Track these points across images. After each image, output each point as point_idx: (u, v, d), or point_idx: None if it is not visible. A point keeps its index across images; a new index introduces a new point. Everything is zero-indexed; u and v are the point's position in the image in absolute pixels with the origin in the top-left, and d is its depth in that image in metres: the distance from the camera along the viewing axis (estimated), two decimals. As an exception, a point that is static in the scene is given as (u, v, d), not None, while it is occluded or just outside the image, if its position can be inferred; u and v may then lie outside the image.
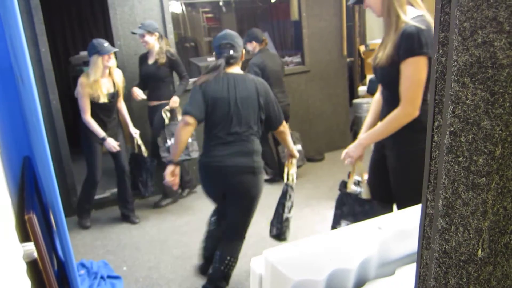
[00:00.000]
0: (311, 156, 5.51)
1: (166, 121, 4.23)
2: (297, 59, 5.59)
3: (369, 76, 6.85)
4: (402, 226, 1.17)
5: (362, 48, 7.56)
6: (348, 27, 6.01)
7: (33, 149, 2.39)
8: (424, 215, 0.70)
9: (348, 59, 6.15)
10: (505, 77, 0.53)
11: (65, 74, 6.84)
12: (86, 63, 6.19)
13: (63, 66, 6.90)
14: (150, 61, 4.25)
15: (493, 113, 0.54)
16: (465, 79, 0.57)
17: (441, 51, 0.65)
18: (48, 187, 2.46)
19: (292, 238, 3.80)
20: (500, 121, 0.54)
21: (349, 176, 4.31)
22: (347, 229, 1.21)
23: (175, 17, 4.95)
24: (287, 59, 5.70)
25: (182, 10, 5.19)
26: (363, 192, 4.26)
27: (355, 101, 6.22)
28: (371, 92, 6.53)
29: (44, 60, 4.07)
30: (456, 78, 0.58)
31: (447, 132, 0.60)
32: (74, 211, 4.29)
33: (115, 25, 4.34)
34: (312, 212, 4.09)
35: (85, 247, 3.79)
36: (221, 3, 5.39)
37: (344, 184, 4.28)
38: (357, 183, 4.31)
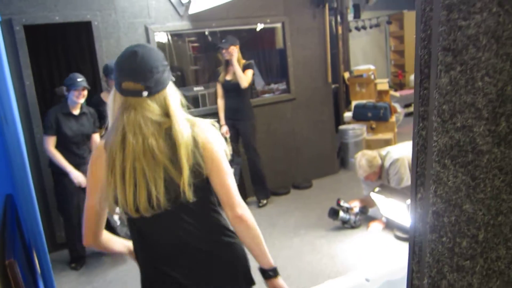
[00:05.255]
0: (298, 183, 5.50)
1: None
2: (282, 86, 5.63)
3: (354, 102, 6.93)
4: (389, 277, 1.16)
5: (346, 75, 7.67)
6: (332, 54, 6.08)
7: (16, 187, 2.34)
8: (410, 287, 0.69)
9: (333, 86, 6.22)
10: (485, 163, 0.53)
11: (50, 105, 6.76)
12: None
13: (48, 97, 6.83)
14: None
15: (475, 198, 0.54)
16: (446, 160, 0.57)
17: (421, 124, 0.65)
18: (32, 227, 2.40)
19: (282, 269, 3.71)
20: (482, 206, 0.54)
21: (338, 203, 4.29)
22: (334, 282, 1.19)
23: (161, 47, 4.96)
24: (273, 86, 5.74)
25: (168, 40, 5.21)
26: (352, 219, 4.25)
27: (341, 127, 6.27)
28: (356, 118, 6.60)
29: (28, 93, 4.05)
30: (437, 159, 0.58)
31: (430, 211, 0.60)
32: (59, 246, 4.21)
33: (101, 57, 4.34)
34: (301, 242, 4.06)
35: (70, 283, 3.70)
36: (206, 33, 5.42)
37: (333, 212, 4.26)
38: (346, 210, 4.29)
